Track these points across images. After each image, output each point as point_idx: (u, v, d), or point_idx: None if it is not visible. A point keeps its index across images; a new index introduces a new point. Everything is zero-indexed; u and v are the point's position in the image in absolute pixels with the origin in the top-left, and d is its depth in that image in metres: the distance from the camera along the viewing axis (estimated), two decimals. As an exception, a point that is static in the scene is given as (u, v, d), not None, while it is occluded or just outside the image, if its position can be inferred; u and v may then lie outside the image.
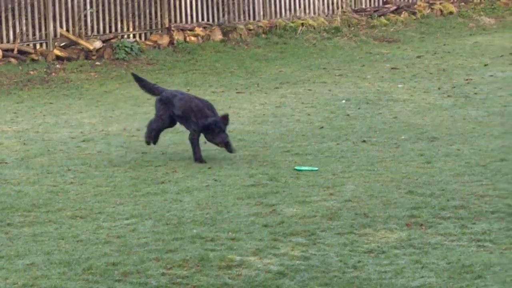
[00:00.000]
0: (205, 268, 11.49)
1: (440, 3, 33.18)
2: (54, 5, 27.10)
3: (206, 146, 17.28)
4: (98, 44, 27.05)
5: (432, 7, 33.49)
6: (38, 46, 27.20)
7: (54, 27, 27.20)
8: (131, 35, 28.37)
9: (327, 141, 17.78)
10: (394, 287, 10.37)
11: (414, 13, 32.97)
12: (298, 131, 19.20)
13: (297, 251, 12.04)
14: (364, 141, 17.65)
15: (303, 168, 15.63)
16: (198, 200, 14.44)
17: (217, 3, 29.43)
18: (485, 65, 25.62)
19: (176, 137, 18.59)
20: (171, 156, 17.69)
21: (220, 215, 13.57)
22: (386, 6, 33.00)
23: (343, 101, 21.72)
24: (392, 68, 26.14)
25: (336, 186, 14.73)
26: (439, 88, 23.13)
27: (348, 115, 20.25)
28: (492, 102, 20.93)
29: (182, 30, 28.57)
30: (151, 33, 28.88)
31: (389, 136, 18.32)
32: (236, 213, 13.68)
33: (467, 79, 23.87)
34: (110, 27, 28.11)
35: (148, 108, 20.83)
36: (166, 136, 18.32)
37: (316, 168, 15.59)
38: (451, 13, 33.31)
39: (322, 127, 19.26)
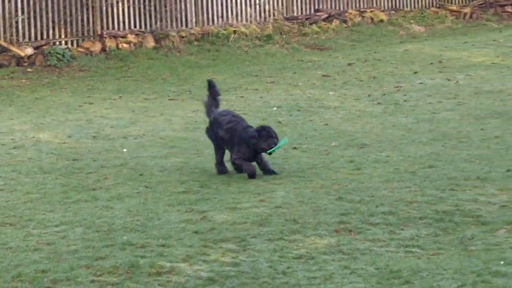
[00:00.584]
0: (135, 275, 11.28)
1: (371, 11, 33.73)
2: (-16, 11, 26.11)
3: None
4: (29, 50, 26.98)
5: (363, 15, 34.03)
6: (-32, 53, 26.21)
7: (-15, 34, 26.49)
8: (63, 42, 28.35)
9: None
10: (323, 292, 10.00)
11: (345, 21, 33.46)
12: None
13: (227, 258, 11.91)
14: (295, 147, 17.76)
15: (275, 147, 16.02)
16: (129, 207, 14.25)
17: (150, 10, 29.55)
18: (415, 72, 26.04)
19: (108, 144, 18.39)
20: (103, 163, 17.43)
21: (150, 222, 13.43)
22: (318, 14, 33.42)
23: (275, 108, 21.81)
24: (323, 76, 26.28)
25: (267, 193, 14.74)
26: (369, 95, 23.39)
27: (279, 122, 20.40)
28: (421, 109, 21.20)
29: (115, 37, 28.63)
30: (83, 40, 28.76)
31: (320, 143, 18.44)
32: (166, 220, 13.54)
33: (397, 87, 24.22)
34: (42, 33, 28.05)
35: (79, 115, 20.80)
36: (98, 143, 18.28)
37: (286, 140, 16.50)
38: (381, 21, 33.88)
39: None
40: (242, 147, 15.98)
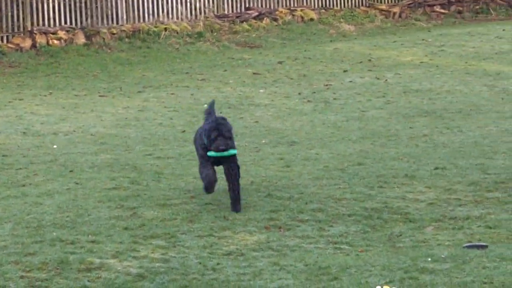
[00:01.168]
0: (64, 271, 11.20)
1: (301, 10, 33.86)
2: None
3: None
4: (-42, 47, 26.69)
5: (293, 13, 34.15)
6: None
7: None
8: (-7, 38, 27.85)
9: (188, 145, 17.54)
10: (252, 289, 10.01)
11: (275, 19, 33.53)
12: (160, 135, 19.44)
13: (157, 254, 11.96)
14: (225, 145, 17.74)
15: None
16: (58, 203, 14.05)
17: (80, 7, 29.52)
18: (345, 71, 26.20)
19: (37, 140, 18.30)
20: (32, 159, 17.26)
21: (80, 218, 13.28)
22: (248, 12, 33.49)
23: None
24: (254, 73, 26.51)
25: (197, 189, 14.57)
26: (299, 93, 23.53)
27: (210, 119, 20.37)
28: (350, 107, 21.43)
29: (45, 33, 28.59)
30: (13, 36, 28.62)
31: (250, 140, 18.53)
32: (96, 216, 13.42)
33: (326, 85, 24.34)
34: (-30, 29, 27.58)
35: (9, 111, 20.71)
36: (28, 139, 18.17)
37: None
38: (311, 19, 33.92)
39: (184, 131, 19.51)
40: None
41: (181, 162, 16.88)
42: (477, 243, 12.03)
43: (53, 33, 28.47)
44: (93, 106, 21.66)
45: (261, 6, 33.03)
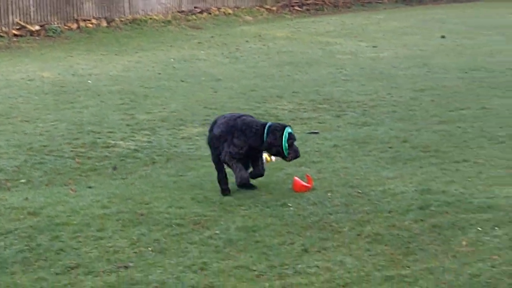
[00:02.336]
0: (94, 148, 11.21)
1: (224, 8, 31.32)
2: None
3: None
4: None
5: (220, 10, 30.97)
6: None
7: None
8: None
9: (162, 80, 17.21)
10: None
11: (210, 13, 30.55)
12: (147, 75, 18.05)
13: (145, 138, 11.73)
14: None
15: None
16: (92, 112, 13.66)
17: (103, 5, 27.40)
18: (246, 41, 24.69)
19: (80, 78, 17.55)
20: (78, 88, 16.14)
21: (103, 120, 12.96)
22: (195, 8, 30.45)
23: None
24: (198, 43, 24.89)
25: (173, 97, 14.51)
26: (222, 53, 22.06)
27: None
28: (249, 61, 20.30)
29: (84, 20, 26.31)
30: (66, 22, 26.12)
31: (194, 80, 17.50)
32: (112, 119, 13.05)
33: (237, 48, 23.04)
34: None
35: (64, 63, 20.04)
36: (74, 78, 17.61)
37: None
38: (229, 13, 30.46)
39: (160, 73, 18.28)
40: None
41: (160, 86, 16.23)
42: (313, 131, 11.68)
43: (88, 20, 27.75)
44: (110, 60, 21.06)
45: (203, 5, 31.94)
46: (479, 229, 6.70)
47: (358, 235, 6.77)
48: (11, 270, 6.44)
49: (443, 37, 24.34)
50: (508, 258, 6.06)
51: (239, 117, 8.57)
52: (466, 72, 17.16)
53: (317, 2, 35.06)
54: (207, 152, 10.04)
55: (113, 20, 27.88)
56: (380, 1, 37.12)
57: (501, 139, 10.40)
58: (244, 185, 8.35)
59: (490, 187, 7.91)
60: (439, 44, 22.75)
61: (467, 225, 6.79)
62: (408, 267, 6.06)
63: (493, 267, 5.94)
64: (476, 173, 8.56)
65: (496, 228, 6.71)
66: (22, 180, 9.70)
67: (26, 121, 13.26)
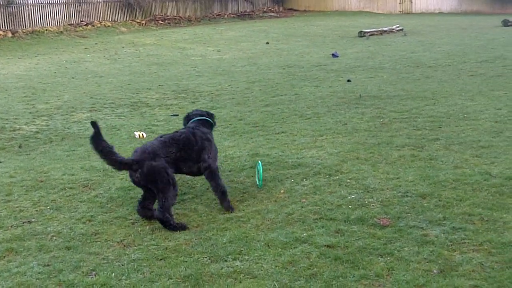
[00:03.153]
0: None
1: (104, 22, 31.27)
2: None
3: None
4: None
5: (102, 23, 30.42)
6: None
7: None
8: None
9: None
10: None
11: (92, 25, 29.79)
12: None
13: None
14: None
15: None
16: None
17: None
18: (123, 47, 24.50)
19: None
20: None
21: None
22: (82, 22, 29.71)
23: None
24: (85, 48, 24.46)
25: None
26: (104, 56, 21.78)
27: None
28: (123, 61, 20.30)
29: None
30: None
31: (87, 76, 17.16)
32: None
33: (115, 53, 22.72)
34: None
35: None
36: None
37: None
38: (109, 26, 30.57)
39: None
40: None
41: (55, 82, 15.67)
42: (174, 114, 11.31)
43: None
44: (15, 62, 19.73)
45: (88, 19, 30.82)
46: (292, 180, 6.85)
47: (207, 189, 6.69)
48: None
49: (267, 43, 24.75)
50: (313, 201, 6.26)
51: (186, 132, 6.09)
52: (284, 68, 17.55)
53: (175, 17, 34.81)
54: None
55: (17, 31, 26.82)
56: (222, 17, 37.34)
57: (308, 116, 10.66)
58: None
59: (300, 150, 8.12)
60: (265, 48, 23.15)
61: (284, 178, 6.92)
62: (243, 210, 6.16)
63: (302, 207, 6.11)
64: (290, 141, 8.77)
65: (304, 179, 6.87)
66: None
67: None
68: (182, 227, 5.65)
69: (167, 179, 5.67)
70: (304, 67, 17.55)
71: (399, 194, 6.21)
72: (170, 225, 5.64)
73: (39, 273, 4.99)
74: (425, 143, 8.09)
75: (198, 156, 6.03)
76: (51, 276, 4.93)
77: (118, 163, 5.63)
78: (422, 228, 5.40)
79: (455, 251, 4.97)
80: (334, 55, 19.51)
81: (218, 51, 22.61)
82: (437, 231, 5.31)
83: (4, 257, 5.35)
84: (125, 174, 7.60)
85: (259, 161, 6.92)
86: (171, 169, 5.78)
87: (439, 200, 5.97)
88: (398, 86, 13.22)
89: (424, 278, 4.55)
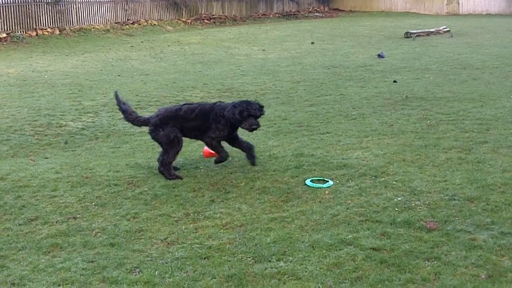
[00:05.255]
0: None
1: (151, 20, 31.56)
2: None
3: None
4: None
5: (147, 21, 30.55)
6: None
7: None
8: None
9: None
10: None
11: (140, 24, 30.02)
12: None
13: None
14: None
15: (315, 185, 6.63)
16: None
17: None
18: (168, 45, 24.64)
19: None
20: None
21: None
22: (128, 20, 30.02)
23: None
24: (131, 46, 24.59)
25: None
26: (150, 54, 21.89)
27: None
28: (169, 60, 20.30)
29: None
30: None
31: (130, 76, 17.27)
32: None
33: (161, 52, 22.97)
34: None
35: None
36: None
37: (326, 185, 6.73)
38: (155, 24, 30.72)
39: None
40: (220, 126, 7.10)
41: (101, 79, 15.84)
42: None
43: (45, 29, 26.28)
44: (62, 60, 20.05)
45: (134, 17, 31.47)
46: (338, 181, 6.77)
47: (251, 188, 6.71)
48: (-18, 222, 6.30)
49: (312, 43, 24.63)
50: (358, 202, 6.18)
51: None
52: (329, 68, 17.41)
53: (221, 16, 34.97)
54: (138, 129, 10.00)
55: (64, 29, 27.26)
56: (267, 17, 37.34)
57: (353, 116, 10.56)
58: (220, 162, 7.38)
59: (345, 151, 8.03)
60: (310, 48, 23.01)
61: (329, 179, 6.82)
62: (287, 210, 6.10)
63: (347, 208, 6.03)
64: (335, 141, 8.68)
65: (349, 181, 6.79)
66: (-8, 153, 9.60)
67: (-4, 107, 13.07)
68: (177, 178, 6.98)
69: (171, 140, 7.03)
70: (350, 68, 17.37)
71: (446, 197, 6.10)
72: (166, 176, 7.04)
73: (83, 269, 5.03)
74: (473, 145, 7.97)
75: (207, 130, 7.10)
76: (95, 272, 4.97)
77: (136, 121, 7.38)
78: (469, 232, 5.31)
79: (503, 256, 4.87)
80: (380, 56, 19.29)
81: (263, 50, 22.59)
82: (485, 235, 5.22)
83: (49, 252, 5.42)
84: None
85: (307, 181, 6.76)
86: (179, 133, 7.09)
87: (487, 204, 5.86)
88: (445, 87, 12.98)
89: (472, 284, 4.46)
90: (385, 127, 9.43)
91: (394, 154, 7.71)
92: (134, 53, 22.36)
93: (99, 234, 5.77)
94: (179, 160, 8.13)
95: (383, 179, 6.72)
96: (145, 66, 19.15)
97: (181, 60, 20.55)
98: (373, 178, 6.79)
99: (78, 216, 6.27)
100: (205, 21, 33.64)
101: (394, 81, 14.31)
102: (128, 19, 30.52)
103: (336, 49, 22.29)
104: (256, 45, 24.35)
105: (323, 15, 39.72)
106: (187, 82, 15.61)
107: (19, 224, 6.14)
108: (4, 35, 25.03)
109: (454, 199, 6.04)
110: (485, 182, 6.47)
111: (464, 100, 11.32)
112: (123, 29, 29.18)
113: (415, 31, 25.97)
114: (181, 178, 7.09)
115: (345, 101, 12.15)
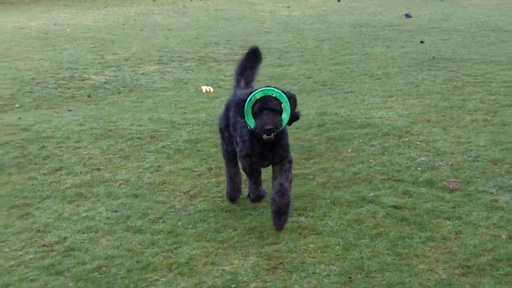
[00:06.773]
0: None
1: None
2: None
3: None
4: None
5: None
6: None
7: None
8: None
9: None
10: None
11: None
12: (131, 16, 17.94)
13: (112, 73, 11.71)
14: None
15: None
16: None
17: None
18: (191, 0, 24.90)
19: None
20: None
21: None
22: None
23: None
24: (153, 0, 24.85)
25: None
26: (172, 9, 21.92)
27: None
28: (192, 16, 20.28)
29: None
30: None
31: (153, 29, 17.49)
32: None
33: (183, 7, 22.97)
34: None
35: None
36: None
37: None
38: None
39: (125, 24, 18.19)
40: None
41: (123, 34, 15.97)
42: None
43: None
44: (84, 13, 20.19)
45: None
46: (360, 140, 6.82)
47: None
48: (8, 171, 6.47)
49: (338, 1, 24.31)
50: (380, 161, 6.24)
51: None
52: (355, 27, 17.22)
53: (244, -28, 34.51)
54: (161, 84, 10.04)
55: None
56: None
57: (378, 76, 10.49)
58: None
59: (369, 110, 8.04)
60: (336, 6, 22.71)
61: (352, 138, 6.90)
62: (309, 167, 6.18)
63: (369, 167, 6.09)
64: (359, 101, 8.69)
65: (372, 140, 6.82)
66: (16, 105, 9.60)
67: (19, 59, 13.06)
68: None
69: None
70: (376, 27, 17.18)
71: (470, 158, 6.15)
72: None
73: (107, 218, 5.19)
74: (499, 108, 7.94)
75: None
76: (119, 221, 5.14)
77: None
78: (492, 193, 5.35)
79: (525, 218, 4.92)
80: (407, 16, 19.05)
81: (287, 7, 22.38)
82: (507, 197, 5.26)
83: (74, 201, 5.59)
84: (192, 127, 7.77)
85: None
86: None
87: (511, 167, 5.89)
88: (472, 49, 12.85)
89: (492, 243, 4.51)
90: (410, 87, 9.41)
91: (418, 114, 7.73)
92: (157, 8, 22.34)
93: (122, 185, 5.92)
94: (201, 115, 8.24)
95: (407, 139, 6.75)
96: (167, 21, 19.16)
97: (203, 15, 20.46)
98: (397, 137, 6.82)
99: (101, 167, 6.43)
100: (228, -24, 33.27)
101: (421, 42, 14.18)
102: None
103: (363, 8, 22.01)
104: (280, 1, 24.07)
105: (350, -28, 39.02)
106: (210, 38, 15.60)
107: (44, 174, 6.33)
108: (26, -13, 25.27)
109: (478, 161, 6.08)
110: (510, 144, 6.48)
111: (491, 62, 11.21)
112: (146, -17, 29.00)
113: (444, -9, 25.41)
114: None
115: (370, 61, 12.08)
